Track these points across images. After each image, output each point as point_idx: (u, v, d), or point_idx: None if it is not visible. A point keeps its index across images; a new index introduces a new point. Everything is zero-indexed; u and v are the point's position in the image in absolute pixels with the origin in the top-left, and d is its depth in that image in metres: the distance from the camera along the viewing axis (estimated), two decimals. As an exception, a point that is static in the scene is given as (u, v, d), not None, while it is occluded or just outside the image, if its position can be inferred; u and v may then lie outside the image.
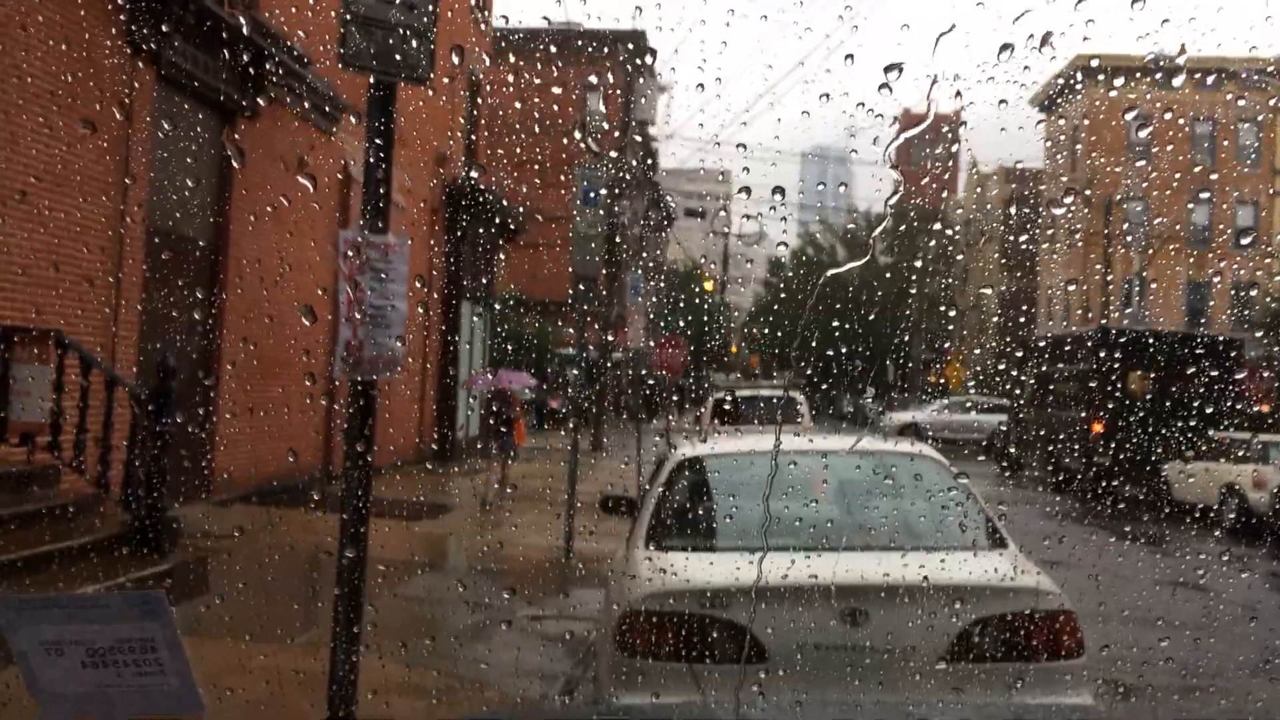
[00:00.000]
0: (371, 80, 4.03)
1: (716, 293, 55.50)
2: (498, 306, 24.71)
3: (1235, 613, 9.59)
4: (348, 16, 3.89)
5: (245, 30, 11.08)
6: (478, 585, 9.29)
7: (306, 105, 13.04)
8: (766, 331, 59.25)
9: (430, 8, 4.16)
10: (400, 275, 4.07)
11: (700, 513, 5.22)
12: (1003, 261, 47.30)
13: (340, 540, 4.22)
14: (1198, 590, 10.71)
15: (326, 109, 13.74)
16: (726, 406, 18.48)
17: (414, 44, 4.02)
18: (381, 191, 3.97)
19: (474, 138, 22.51)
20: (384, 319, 3.99)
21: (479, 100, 22.52)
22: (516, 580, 9.46)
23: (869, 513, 4.90)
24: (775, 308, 59.61)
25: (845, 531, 4.61)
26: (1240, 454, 16.61)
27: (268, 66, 11.54)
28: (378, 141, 3.99)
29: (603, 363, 26.86)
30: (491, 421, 18.47)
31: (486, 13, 22.96)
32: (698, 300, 51.45)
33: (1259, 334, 25.51)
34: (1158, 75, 35.59)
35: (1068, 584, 9.10)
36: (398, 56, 3.98)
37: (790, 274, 60.03)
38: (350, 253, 3.85)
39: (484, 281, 22.54)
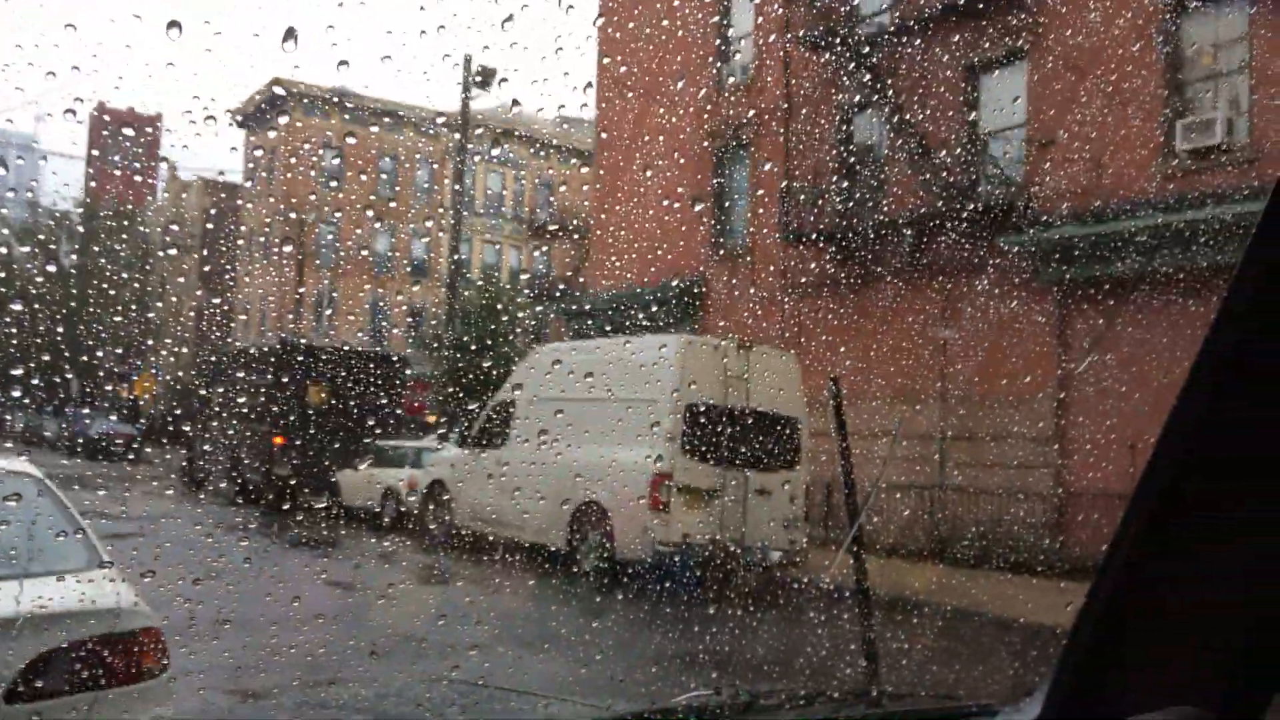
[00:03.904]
0: None
1: None
2: None
3: (371, 601, 10.69)
4: None
5: None
6: None
7: None
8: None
9: None
10: None
11: None
12: (203, 272, 46.43)
13: None
14: (345, 587, 11.69)
15: None
16: None
17: None
18: None
19: None
20: None
21: None
22: None
23: None
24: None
25: None
26: (399, 461, 18.60)
27: None
28: None
29: None
30: None
31: None
32: None
33: (424, 352, 28.94)
34: (349, 110, 38.52)
35: (223, 597, 9.19)
36: None
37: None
38: None
39: None
